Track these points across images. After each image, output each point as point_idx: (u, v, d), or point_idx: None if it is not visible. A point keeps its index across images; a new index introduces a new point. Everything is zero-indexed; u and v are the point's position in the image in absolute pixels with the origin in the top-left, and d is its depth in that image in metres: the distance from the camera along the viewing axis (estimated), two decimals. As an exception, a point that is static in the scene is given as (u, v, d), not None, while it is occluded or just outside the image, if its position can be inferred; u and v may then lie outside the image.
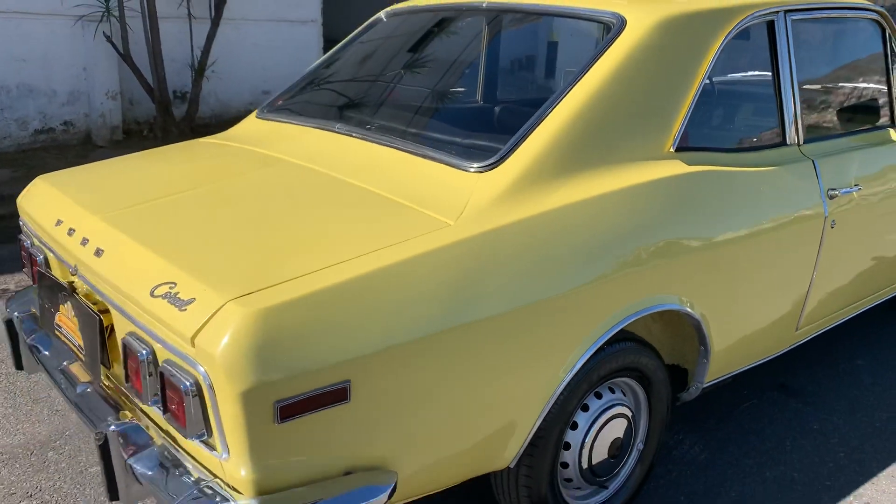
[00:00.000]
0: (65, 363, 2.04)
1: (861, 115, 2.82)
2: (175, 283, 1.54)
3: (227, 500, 1.51)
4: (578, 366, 1.87)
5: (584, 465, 2.09)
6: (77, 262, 1.87)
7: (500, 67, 2.88)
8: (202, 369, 1.44)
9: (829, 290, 2.64)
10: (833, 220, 2.50)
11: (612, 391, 2.12)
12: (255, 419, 1.42)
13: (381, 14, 2.86)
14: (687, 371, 2.36)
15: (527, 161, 1.86)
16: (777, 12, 2.40)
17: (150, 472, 1.62)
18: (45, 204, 2.15)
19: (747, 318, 2.35)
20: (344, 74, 2.80)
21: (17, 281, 3.91)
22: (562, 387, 1.86)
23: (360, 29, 2.91)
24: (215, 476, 1.58)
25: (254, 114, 2.76)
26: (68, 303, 1.91)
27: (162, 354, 1.57)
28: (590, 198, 1.89)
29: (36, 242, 2.17)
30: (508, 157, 1.88)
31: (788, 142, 2.45)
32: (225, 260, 1.62)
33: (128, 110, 7.00)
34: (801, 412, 2.88)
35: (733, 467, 2.54)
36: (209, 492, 1.53)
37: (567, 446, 2.04)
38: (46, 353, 2.10)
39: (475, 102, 2.85)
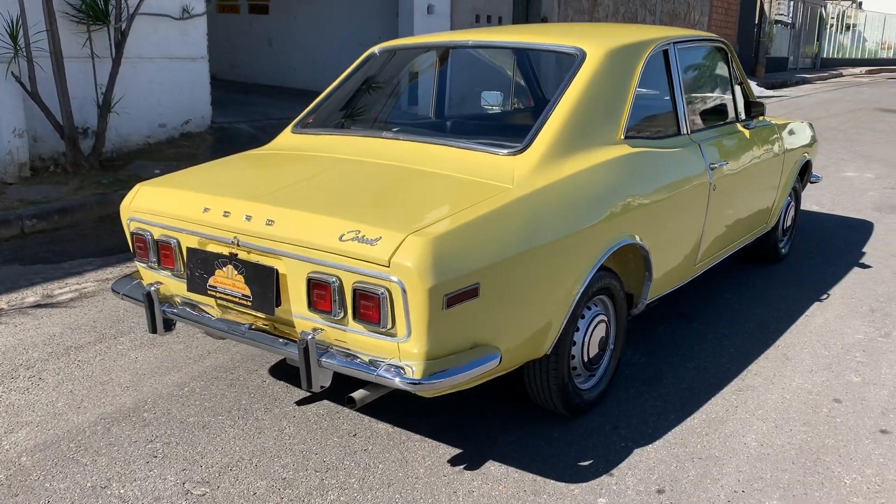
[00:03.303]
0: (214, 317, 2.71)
1: (717, 114, 4.02)
2: (359, 230, 2.32)
3: (407, 365, 2.30)
4: (587, 282, 2.81)
5: (585, 359, 3.03)
6: (237, 234, 2.57)
7: (511, 83, 3.82)
8: (396, 279, 2.23)
9: (714, 234, 3.78)
10: (714, 185, 3.63)
11: (596, 305, 3.08)
12: (434, 307, 2.24)
13: (375, 50, 3.70)
14: (633, 296, 3.37)
15: (544, 147, 2.80)
16: (670, 43, 3.52)
17: (337, 363, 2.38)
18: (176, 200, 2.80)
19: (670, 252, 3.41)
20: (360, 97, 3.60)
21: (8, 300, 4.31)
22: (577, 296, 2.79)
23: (357, 63, 3.72)
24: (382, 357, 2.36)
25: (288, 130, 3.48)
26: (228, 266, 2.60)
27: (350, 279, 2.33)
28: (584, 168, 2.86)
29: (166, 232, 2.82)
30: (531, 145, 2.81)
31: (682, 132, 3.55)
32: (380, 215, 2.42)
33: (31, 147, 7.21)
34: (698, 329, 4.00)
35: (665, 364, 3.59)
36: (396, 362, 2.31)
37: (573, 344, 2.97)
38: (194, 312, 2.76)
39: (492, 109, 3.77)
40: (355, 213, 2.44)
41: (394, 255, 2.23)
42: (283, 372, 3.49)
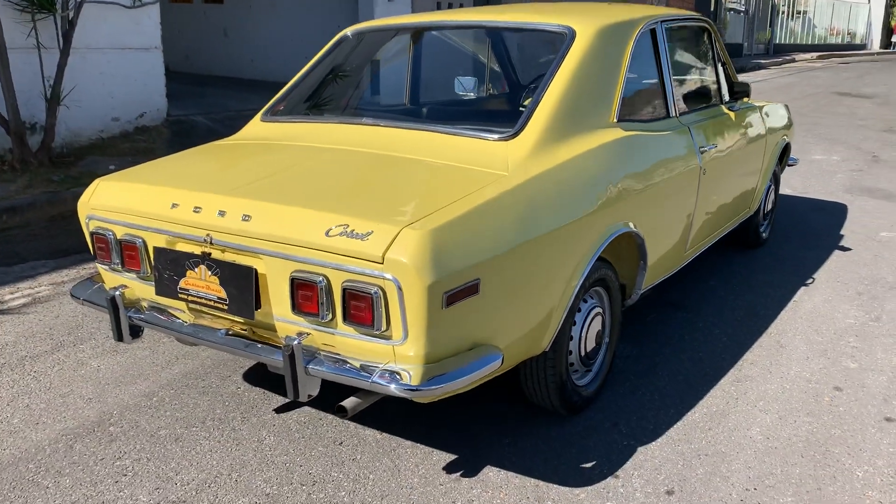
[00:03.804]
0: (184, 322, 2.49)
1: (703, 96, 3.90)
2: (347, 225, 2.12)
3: (403, 370, 2.12)
4: (586, 273, 2.65)
5: (582, 353, 2.88)
6: (210, 232, 2.35)
7: (487, 67, 3.63)
8: (391, 276, 2.04)
9: (703, 219, 3.66)
10: (704, 168, 3.51)
11: (591, 297, 2.93)
12: (433, 306, 2.05)
13: (347, 32, 3.48)
14: (625, 286, 3.23)
15: (538, 131, 2.63)
16: (657, 22, 3.37)
17: (326, 370, 2.18)
18: (140, 196, 2.57)
19: (663, 239, 3.27)
20: (333, 82, 3.39)
21: (-31, 304, 4.01)
22: (577, 288, 2.63)
23: (328, 46, 3.51)
24: (375, 362, 2.17)
25: (257, 118, 3.26)
26: (200, 267, 2.38)
27: (339, 278, 2.13)
28: (580, 153, 2.70)
29: (130, 231, 2.58)
30: (524, 129, 2.63)
31: (671, 115, 3.42)
32: (370, 207, 2.22)
33: (-25, 144, 6.82)
34: (687, 318, 3.88)
35: (658, 355, 3.46)
36: (391, 367, 2.12)
37: (570, 338, 2.81)
38: (163, 318, 2.53)
39: (472, 94, 3.57)
40: (342, 205, 2.24)
41: (388, 251, 2.04)
42: (259, 377, 3.27)
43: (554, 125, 2.67)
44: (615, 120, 2.95)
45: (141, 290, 2.66)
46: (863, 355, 3.47)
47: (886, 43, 35.96)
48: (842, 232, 5.40)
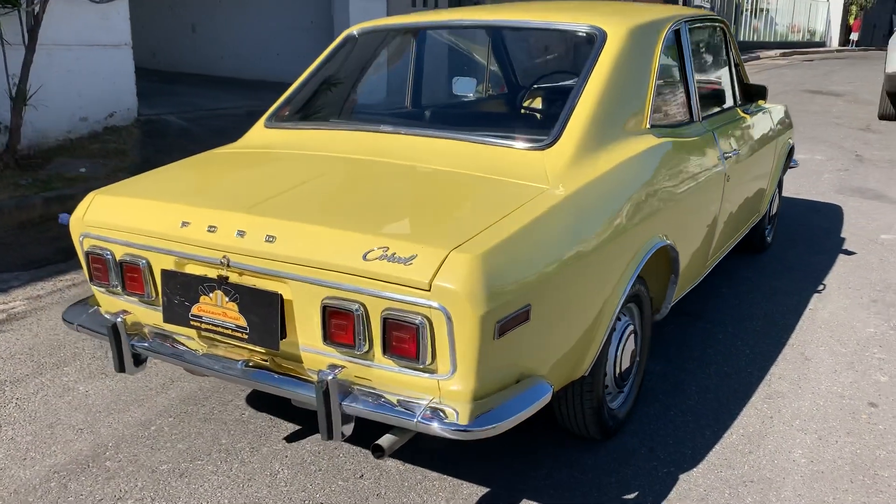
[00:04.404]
0: (198, 351, 2.26)
1: (721, 98, 3.75)
2: (387, 247, 1.91)
3: (449, 407, 1.92)
4: (627, 290, 2.48)
5: (616, 374, 2.71)
6: (227, 253, 2.13)
7: (511, 70, 3.42)
8: (438, 305, 1.84)
9: (723, 227, 3.52)
10: (728, 175, 3.36)
11: (625, 314, 2.76)
12: (485, 337, 1.86)
13: (353, 31, 3.25)
14: (652, 299, 3.06)
15: (575, 139, 2.45)
16: (682, 22, 3.21)
17: (364, 408, 1.97)
18: (143, 213, 2.33)
19: (691, 250, 3.12)
20: (341, 86, 3.16)
21: (-61, 324, 3.71)
22: (618, 308, 2.46)
23: (333, 47, 3.28)
24: (416, 397, 1.97)
25: (260, 124, 3.02)
26: (216, 292, 2.16)
27: (378, 305, 1.93)
28: (619, 163, 2.52)
29: (132, 251, 2.34)
30: (560, 137, 2.45)
31: (694, 119, 3.26)
32: (412, 227, 2.01)
33: (-65, 146, 6.44)
34: (706, 329, 3.74)
35: (683, 372, 3.30)
36: (436, 404, 1.92)
37: (606, 359, 2.64)
38: (171, 346, 2.29)
39: (498, 99, 3.37)
40: (378, 224, 2.03)
41: (435, 277, 1.84)
42: (263, 401, 3.05)
43: (591, 133, 2.49)
44: (648, 126, 2.78)
45: (144, 315, 2.42)
46: (891, 368, 3.36)
47: (845, 40, 36.58)
48: (842, 235, 5.32)
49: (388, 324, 1.91)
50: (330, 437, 2.01)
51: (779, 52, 28.95)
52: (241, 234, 2.11)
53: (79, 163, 6.87)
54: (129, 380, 3.25)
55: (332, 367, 2.01)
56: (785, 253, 4.92)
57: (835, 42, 36.40)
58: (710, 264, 3.53)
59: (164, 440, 2.80)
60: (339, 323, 1.98)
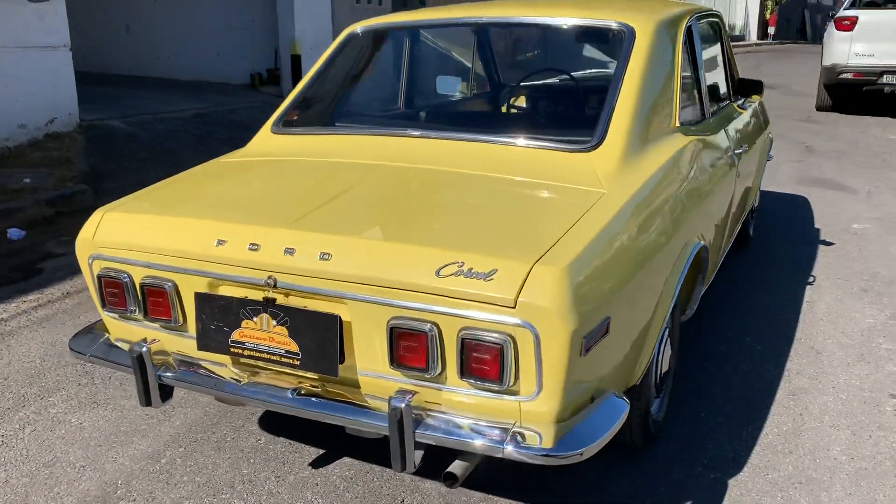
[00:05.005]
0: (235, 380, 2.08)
1: (721, 94, 3.73)
2: (462, 262, 1.78)
3: (530, 431, 1.80)
4: (677, 294, 2.40)
5: (658, 378, 2.64)
6: (274, 273, 1.95)
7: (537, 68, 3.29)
8: (525, 323, 1.72)
9: (731, 224, 3.50)
10: (738, 171, 3.34)
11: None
12: (573, 354, 1.75)
13: (357, 29, 3.08)
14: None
15: (621, 139, 2.36)
16: (694, 17, 3.16)
17: (442, 435, 1.83)
18: (167, 231, 2.13)
19: (715, 249, 3.08)
20: (352, 87, 2.99)
21: None
22: (669, 312, 2.38)
23: (335, 47, 3.10)
24: (492, 421, 1.85)
25: (267, 130, 2.83)
26: (261, 315, 1.98)
27: (454, 325, 1.79)
28: (662, 164, 2.44)
29: (156, 273, 2.14)
30: (605, 137, 2.35)
31: (706, 116, 3.22)
32: (480, 239, 1.88)
33: None
34: (712, 327, 3.72)
35: (702, 372, 3.26)
36: (518, 428, 1.80)
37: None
38: (205, 376, 2.10)
39: (527, 98, 3.23)
40: (446, 237, 1.90)
41: (521, 293, 1.72)
42: (276, 425, 2.87)
43: (634, 133, 2.40)
44: (677, 124, 2.72)
45: (169, 342, 2.22)
46: (900, 357, 3.40)
47: (763, 34, 37.84)
48: (817, 225, 5.42)
49: (467, 344, 1.78)
50: (403, 467, 1.86)
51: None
52: (290, 251, 1.94)
53: (20, 173, 6.44)
54: (126, 408, 3.02)
55: (402, 392, 1.86)
56: (769, 245, 4.97)
57: (754, 36, 37.60)
58: (719, 261, 3.50)
59: (178, 474, 2.59)
60: (409, 345, 1.83)
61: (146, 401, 2.17)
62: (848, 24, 10.18)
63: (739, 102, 3.93)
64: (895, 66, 9.94)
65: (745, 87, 3.94)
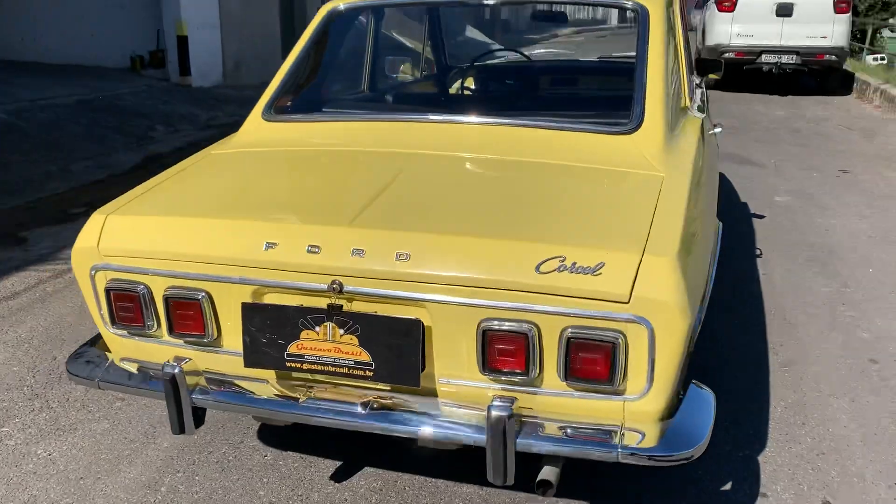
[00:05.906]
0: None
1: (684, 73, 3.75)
2: (564, 256, 1.65)
3: (632, 431, 1.71)
4: (713, 277, 2.37)
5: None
6: (339, 277, 1.75)
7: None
8: (640, 318, 1.62)
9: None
10: (718, 150, 3.37)
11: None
12: (686, 349, 1.67)
13: (339, 5, 2.83)
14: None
15: (660, 120, 2.29)
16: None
17: (548, 443, 1.71)
18: (196, 234, 1.87)
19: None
20: (345, 69, 2.77)
21: None
22: (708, 297, 2.34)
23: (316, 25, 2.84)
24: (591, 422, 1.75)
25: (258, 118, 2.56)
26: (325, 324, 1.78)
27: (556, 324, 1.66)
28: (694, 145, 2.40)
29: (184, 283, 1.88)
30: (644, 119, 2.28)
31: (698, 97, 3.23)
32: (572, 231, 1.76)
33: None
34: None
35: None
36: (628, 429, 1.70)
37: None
38: (248, 395, 1.87)
39: (547, 77, 3.06)
40: (536, 230, 1.76)
41: (635, 287, 1.62)
42: (278, 438, 2.64)
43: (667, 114, 2.34)
44: (689, 104, 2.69)
45: (197, 359, 1.96)
46: (866, 324, 3.57)
47: (623, 17, 39.37)
48: (743, 200, 5.63)
49: (573, 344, 1.66)
50: (505, 480, 1.72)
51: (572, 29, 30.51)
52: (359, 252, 1.74)
53: None
54: (98, 433, 2.70)
55: (503, 399, 1.71)
56: (706, 221, 5.11)
57: (614, 21, 39.05)
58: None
59: (186, 502, 2.33)
60: (505, 348, 1.69)
61: (180, 428, 1.91)
62: (729, 6, 10.69)
63: (698, 81, 3.97)
64: (772, 46, 10.54)
65: (706, 67, 3.99)
